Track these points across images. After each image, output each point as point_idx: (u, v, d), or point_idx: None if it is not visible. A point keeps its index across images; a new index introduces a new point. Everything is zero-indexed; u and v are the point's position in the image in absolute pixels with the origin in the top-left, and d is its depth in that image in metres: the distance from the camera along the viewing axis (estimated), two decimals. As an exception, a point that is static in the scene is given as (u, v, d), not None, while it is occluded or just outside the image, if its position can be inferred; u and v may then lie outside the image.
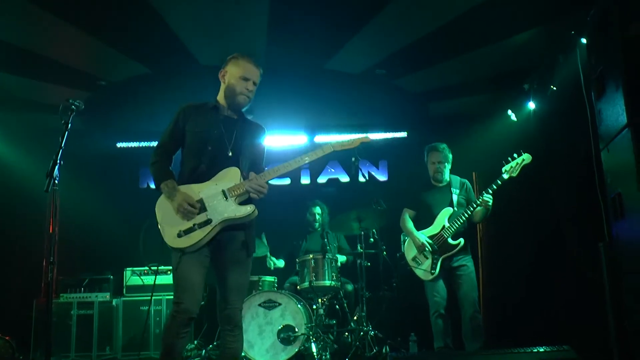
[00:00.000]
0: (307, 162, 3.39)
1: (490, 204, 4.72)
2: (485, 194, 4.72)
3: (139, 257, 5.96)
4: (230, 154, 3.33)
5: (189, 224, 3.18)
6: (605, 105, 3.23)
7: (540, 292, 5.68)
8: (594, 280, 3.81)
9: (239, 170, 3.31)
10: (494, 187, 4.72)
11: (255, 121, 3.59)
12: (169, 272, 6.07)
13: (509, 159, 4.76)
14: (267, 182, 3.27)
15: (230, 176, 3.30)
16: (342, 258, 6.14)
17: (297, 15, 5.24)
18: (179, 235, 3.16)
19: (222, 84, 3.46)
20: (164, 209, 3.24)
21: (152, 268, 6.26)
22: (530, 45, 5.49)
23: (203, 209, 3.21)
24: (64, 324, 6.04)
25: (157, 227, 3.25)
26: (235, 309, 3.28)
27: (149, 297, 6.21)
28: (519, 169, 4.71)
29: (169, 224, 3.20)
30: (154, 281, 6.11)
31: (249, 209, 3.26)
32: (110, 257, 6.75)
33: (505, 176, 4.71)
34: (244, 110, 3.50)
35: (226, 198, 3.24)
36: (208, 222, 3.19)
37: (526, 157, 4.74)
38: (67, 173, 3.35)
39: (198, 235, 3.17)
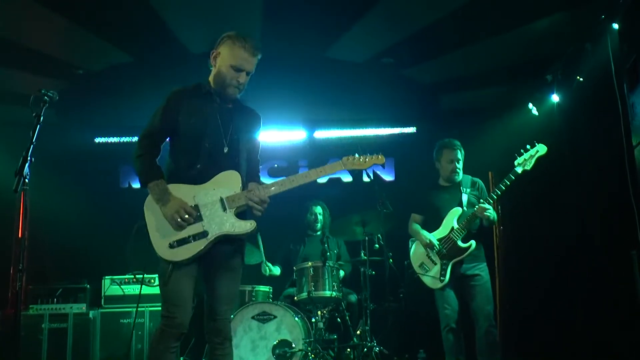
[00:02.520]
0: (314, 179, 3.33)
1: (487, 211, 4.68)
2: (483, 201, 4.69)
3: (123, 263, 5.91)
4: (226, 150, 3.27)
5: (183, 234, 3.11)
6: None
7: (563, 304, 5.66)
8: (626, 292, 3.78)
9: (239, 177, 3.25)
10: (507, 182, 4.70)
11: (251, 107, 3.52)
12: (152, 280, 6.02)
13: (522, 151, 4.76)
14: (271, 190, 3.22)
15: (231, 182, 3.23)
16: (340, 273, 6.10)
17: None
18: (171, 246, 3.10)
19: (213, 66, 3.36)
20: (154, 213, 3.16)
21: (137, 276, 6.20)
22: (554, 31, 5.45)
23: (199, 217, 3.14)
24: (33, 339, 5.93)
25: (147, 231, 3.17)
26: (225, 320, 3.26)
27: (131, 309, 6.14)
28: (533, 161, 4.71)
29: (160, 231, 3.13)
30: (140, 291, 6.04)
31: (249, 225, 3.20)
32: (87, 264, 6.69)
33: (519, 170, 4.70)
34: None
35: (224, 208, 3.17)
36: (204, 234, 3.12)
37: (540, 149, 4.73)
38: (38, 171, 3.30)
39: (193, 248, 3.11)
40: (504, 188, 4.69)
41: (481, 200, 4.75)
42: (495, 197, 4.71)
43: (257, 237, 6.12)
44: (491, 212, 4.71)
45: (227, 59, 3.27)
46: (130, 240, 3.24)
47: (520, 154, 4.74)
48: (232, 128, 3.31)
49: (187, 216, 3.09)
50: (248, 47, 3.27)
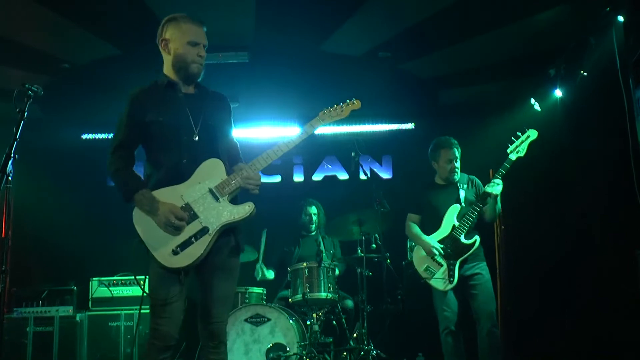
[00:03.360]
0: (297, 143, 3.34)
1: (497, 192, 4.71)
2: (489, 184, 4.70)
3: (112, 263, 5.87)
4: (196, 138, 3.18)
5: (183, 237, 3.05)
6: (647, 92, 3.19)
7: (566, 304, 5.66)
8: (629, 293, 3.78)
9: (221, 163, 3.20)
10: (503, 171, 4.75)
11: (215, 91, 3.45)
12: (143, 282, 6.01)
13: (513, 138, 4.82)
14: (259, 163, 3.21)
15: (214, 170, 3.18)
16: (335, 274, 6.10)
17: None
18: (175, 253, 3.03)
19: (166, 55, 3.31)
20: (145, 224, 3.09)
21: (138, 277, 6.17)
22: (557, 24, 5.45)
23: (193, 216, 3.09)
24: (17, 343, 5.90)
25: (145, 246, 3.08)
26: (220, 324, 3.19)
27: (120, 312, 6.13)
28: (525, 146, 4.77)
29: (158, 240, 3.05)
30: (142, 294, 6.00)
31: (247, 208, 3.15)
32: (74, 265, 6.68)
33: (513, 157, 4.77)
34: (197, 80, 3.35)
35: (217, 198, 3.14)
36: (205, 231, 3.07)
37: (531, 133, 4.80)
38: (23, 169, 3.28)
39: (197, 249, 3.05)
40: (500, 177, 4.72)
41: (490, 184, 4.73)
42: (491, 188, 4.72)
43: (262, 234, 6.14)
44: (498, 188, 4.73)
45: (181, 38, 3.24)
46: (132, 257, 3.18)
47: (512, 142, 4.80)
48: (202, 115, 3.23)
49: (177, 221, 3.03)
50: (194, 20, 3.28)
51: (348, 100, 3.59)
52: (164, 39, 3.30)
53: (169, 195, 3.10)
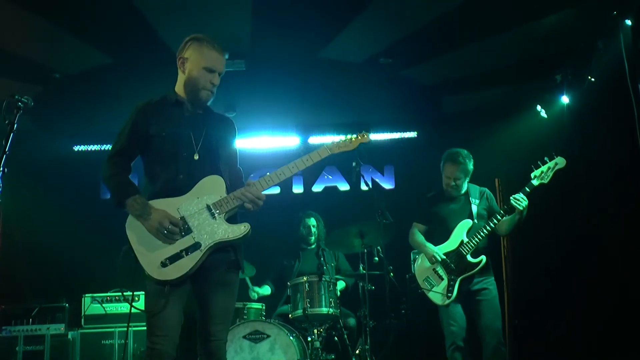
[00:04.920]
0: (302, 168, 3.37)
1: (523, 205, 4.64)
2: (515, 195, 4.65)
3: (105, 280, 5.85)
4: (196, 157, 3.23)
5: (174, 250, 3.07)
6: (657, 98, 3.20)
7: (576, 320, 5.64)
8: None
9: (223, 181, 3.25)
10: (527, 190, 4.67)
11: (223, 114, 3.53)
12: (138, 298, 5.99)
13: (539, 163, 4.74)
14: (265, 183, 3.26)
15: (214, 187, 3.22)
16: (340, 284, 6.08)
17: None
18: (164, 265, 3.04)
19: (180, 73, 3.36)
20: (137, 231, 3.11)
21: (126, 294, 6.15)
22: (563, 28, 5.46)
23: (187, 230, 3.11)
24: (7, 363, 5.92)
25: (134, 253, 3.11)
26: (219, 342, 3.18)
27: (113, 329, 6.10)
28: (551, 174, 4.68)
29: (148, 250, 3.08)
30: (130, 310, 5.98)
31: (243, 228, 3.17)
32: (66, 282, 6.67)
33: (535, 182, 4.68)
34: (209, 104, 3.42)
35: (213, 215, 3.15)
36: (197, 246, 3.09)
37: (559, 161, 4.70)
38: (13, 183, 3.28)
39: (187, 263, 3.06)
40: (527, 193, 4.66)
41: (516, 195, 4.68)
42: (504, 212, 4.70)
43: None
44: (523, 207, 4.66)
45: (199, 62, 3.29)
46: (118, 266, 3.18)
47: (538, 166, 4.71)
48: (205, 135, 3.29)
49: (172, 226, 3.06)
50: (217, 46, 3.32)
51: (358, 133, 3.60)
52: (183, 57, 3.34)
53: (164, 206, 3.12)
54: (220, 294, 3.20)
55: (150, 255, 3.07)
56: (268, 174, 3.31)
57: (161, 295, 3.06)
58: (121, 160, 3.27)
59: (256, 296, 6.21)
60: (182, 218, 3.12)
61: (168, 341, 3.06)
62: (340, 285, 6.08)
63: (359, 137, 3.58)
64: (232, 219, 3.21)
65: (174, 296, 3.08)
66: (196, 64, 3.29)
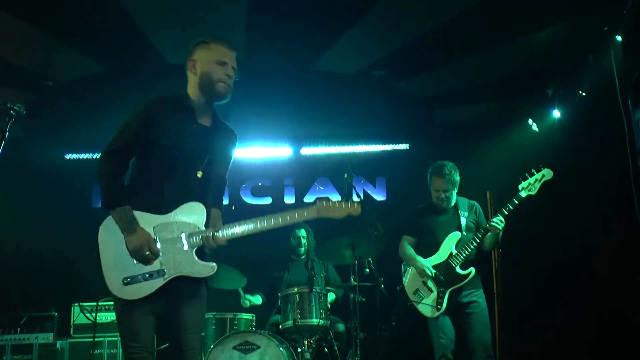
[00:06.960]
0: (285, 224, 3.23)
1: (500, 228, 4.70)
2: (494, 218, 4.71)
3: (95, 289, 5.81)
4: (200, 174, 3.19)
5: (139, 270, 3.04)
6: (646, 113, 3.22)
7: (566, 334, 5.65)
8: (632, 321, 3.78)
9: (204, 210, 3.17)
10: (510, 207, 4.73)
11: (228, 125, 3.49)
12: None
13: (527, 175, 4.79)
14: (231, 234, 3.14)
15: (194, 216, 3.15)
16: (331, 296, 6.07)
17: (281, 5, 5.21)
18: (125, 283, 3.02)
19: (192, 76, 3.29)
20: (112, 240, 3.07)
21: (103, 303, 6.13)
22: (555, 43, 5.51)
23: (157, 254, 3.07)
24: (-6, 373, 5.88)
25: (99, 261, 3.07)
26: (192, 351, 3.14)
27: (103, 339, 6.07)
28: (539, 185, 4.74)
29: (116, 262, 3.05)
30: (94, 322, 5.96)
31: (209, 269, 3.12)
32: (55, 290, 6.63)
33: (523, 194, 4.74)
34: (222, 102, 3.34)
35: (184, 247, 3.10)
36: (161, 273, 3.05)
37: (547, 173, 4.76)
38: (4, 191, 3.27)
39: (147, 288, 3.03)
40: (506, 213, 4.71)
41: (495, 219, 4.72)
42: (495, 224, 4.72)
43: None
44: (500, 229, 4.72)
45: (209, 58, 3.25)
46: (90, 274, 3.16)
47: (525, 178, 4.77)
48: (210, 152, 3.25)
49: (148, 254, 3.02)
50: (224, 43, 3.30)
51: (350, 203, 3.39)
52: (192, 59, 3.29)
53: (143, 222, 3.07)
54: (191, 306, 3.15)
55: (116, 269, 3.04)
56: (247, 223, 3.19)
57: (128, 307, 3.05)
58: (120, 159, 3.17)
59: (248, 304, 6.18)
60: (155, 240, 3.07)
61: (142, 351, 3.03)
62: (331, 297, 6.07)
63: (350, 208, 3.38)
64: (202, 252, 3.16)
65: (141, 309, 3.05)
66: (207, 60, 3.24)
